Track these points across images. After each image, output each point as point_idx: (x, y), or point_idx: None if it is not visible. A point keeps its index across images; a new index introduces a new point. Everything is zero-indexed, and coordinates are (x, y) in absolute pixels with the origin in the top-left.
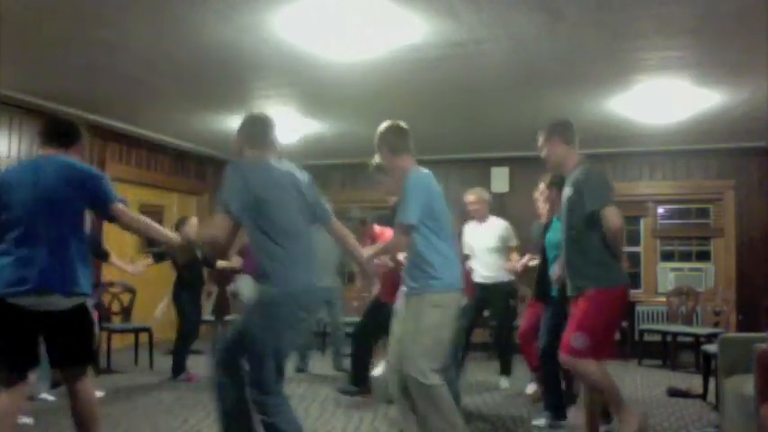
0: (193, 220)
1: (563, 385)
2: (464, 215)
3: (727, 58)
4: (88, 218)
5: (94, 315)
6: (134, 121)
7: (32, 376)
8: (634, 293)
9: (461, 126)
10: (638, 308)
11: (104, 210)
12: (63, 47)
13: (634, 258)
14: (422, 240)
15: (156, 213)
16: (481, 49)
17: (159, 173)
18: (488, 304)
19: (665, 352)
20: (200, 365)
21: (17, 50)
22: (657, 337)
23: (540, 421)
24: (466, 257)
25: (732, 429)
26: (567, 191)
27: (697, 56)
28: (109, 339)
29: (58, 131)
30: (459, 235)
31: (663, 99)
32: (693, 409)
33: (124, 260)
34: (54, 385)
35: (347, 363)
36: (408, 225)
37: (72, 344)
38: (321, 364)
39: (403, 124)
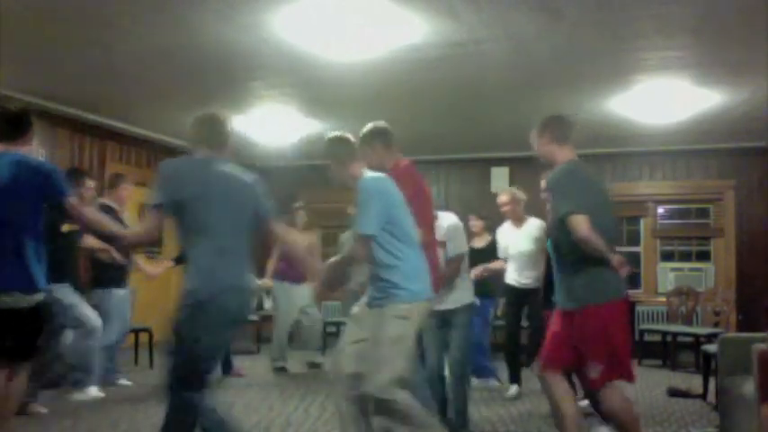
0: None
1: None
2: (492, 217)
3: (727, 58)
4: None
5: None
6: (134, 120)
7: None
8: (634, 293)
9: (461, 126)
10: (638, 308)
11: (58, 205)
12: (63, 47)
13: (634, 258)
14: (383, 249)
15: None
16: (481, 49)
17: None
18: (525, 309)
19: (665, 352)
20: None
21: (17, 50)
22: (657, 337)
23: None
24: (503, 261)
25: (732, 429)
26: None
27: (697, 56)
28: None
29: (6, 125)
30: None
31: (663, 99)
32: (693, 409)
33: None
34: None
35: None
36: (366, 235)
37: (26, 341)
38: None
39: (347, 135)
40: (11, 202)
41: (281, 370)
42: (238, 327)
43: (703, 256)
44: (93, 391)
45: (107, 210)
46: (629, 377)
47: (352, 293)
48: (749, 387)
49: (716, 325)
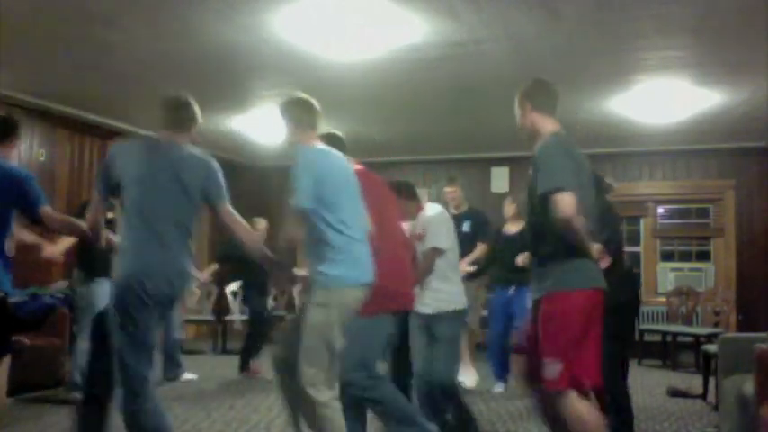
0: (262, 223)
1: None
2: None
3: (727, 58)
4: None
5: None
6: (134, 120)
7: None
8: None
9: (461, 126)
10: (639, 308)
11: (31, 213)
12: (63, 47)
13: (634, 258)
14: (311, 229)
15: None
16: (481, 49)
17: None
18: None
19: (665, 352)
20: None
21: (17, 50)
22: (657, 337)
23: None
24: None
25: (732, 429)
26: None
27: (697, 56)
28: None
29: None
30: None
31: (663, 99)
32: (693, 409)
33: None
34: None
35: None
36: (298, 209)
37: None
38: None
39: (310, 101)
40: None
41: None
42: (167, 312)
43: (703, 256)
44: None
45: None
46: (592, 384)
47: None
48: (749, 387)
49: (716, 325)
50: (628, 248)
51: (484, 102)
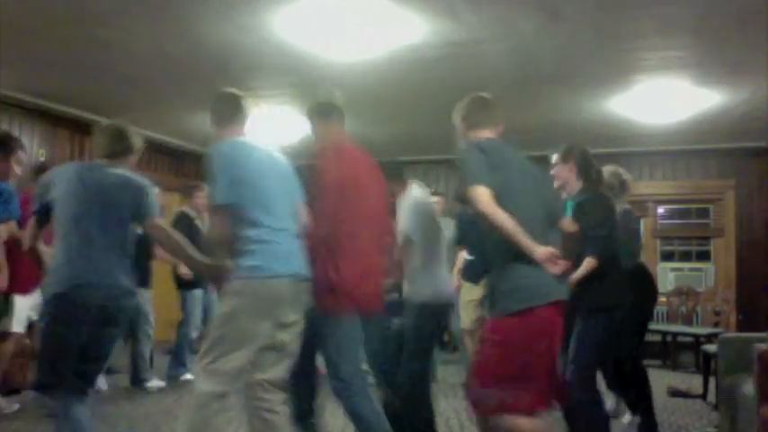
0: None
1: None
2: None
3: (727, 58)
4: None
5: None
6: (134, 120)
7: None
8: None
9: None
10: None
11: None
12: (63, 47)
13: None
14: (233, 224)
15: None
16: (481, 49)
17: (159, 173)
18: None
19: (665, 352)
20: None
21: (17, 50)
22: (657, 337)
23: None
24: None
25: (732, 429)
26: None
27: (697, 56)
28: None
29: None
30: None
31: (663, 99)
32: (693, 409)
33: None
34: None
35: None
36: (219, 205)
37: None
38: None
39: (239, 94)
40: None
41: None
42: (110, 326)
43: (703, 256)
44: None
45: (184, 218)
46: (540, 406)
47: None
48: (749, 387)
49: (716, 325)
50: None
51: None
